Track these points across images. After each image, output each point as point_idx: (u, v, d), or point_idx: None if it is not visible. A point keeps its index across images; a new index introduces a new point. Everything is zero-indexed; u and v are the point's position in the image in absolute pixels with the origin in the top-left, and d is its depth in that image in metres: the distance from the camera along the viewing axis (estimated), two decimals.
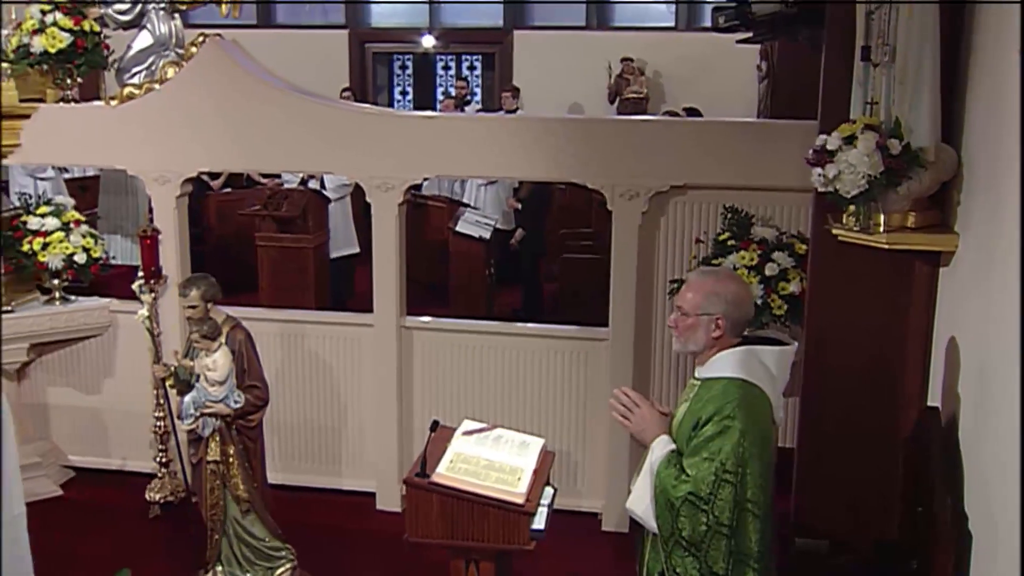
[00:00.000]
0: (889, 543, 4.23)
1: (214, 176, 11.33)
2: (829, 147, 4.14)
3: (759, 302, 5.44)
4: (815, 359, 4.77)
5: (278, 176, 10.63)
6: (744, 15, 7.85)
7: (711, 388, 3.43)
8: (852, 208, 4.27)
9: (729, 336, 3.47)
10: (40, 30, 6.32)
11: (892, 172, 4.01)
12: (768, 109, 9.11)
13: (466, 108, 14.33)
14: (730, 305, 3.45)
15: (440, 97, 16.55)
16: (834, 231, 4.39)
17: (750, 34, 8.46)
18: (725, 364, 3.44)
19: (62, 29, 6.35)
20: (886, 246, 4.19)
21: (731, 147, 5.94)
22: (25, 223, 6.43)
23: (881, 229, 4.21)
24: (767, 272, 5.51)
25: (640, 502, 3.46)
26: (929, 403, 4.38)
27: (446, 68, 17.15)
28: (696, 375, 3.57)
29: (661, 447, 3.48)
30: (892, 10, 4.07)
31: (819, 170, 4.17)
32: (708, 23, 11.31)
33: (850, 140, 4.09)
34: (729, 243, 5.66)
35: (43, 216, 6.48)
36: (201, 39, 6.45)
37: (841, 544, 4.40)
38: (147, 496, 6.53)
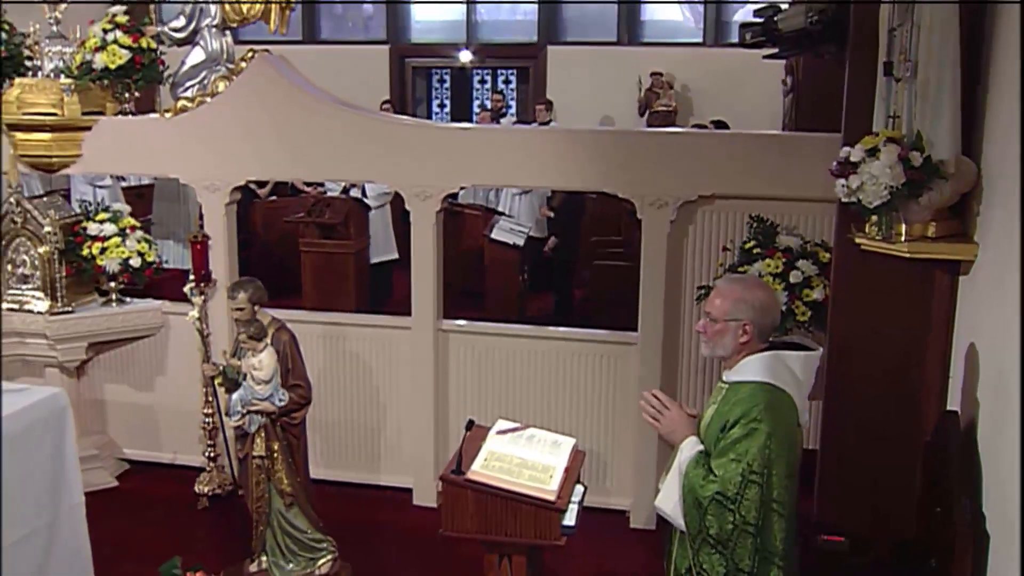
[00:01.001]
0: (908, 543, 4.20)
1: (261, 184, 11.39)
2: (852, 159, 4.12)
3: (784, 308, 5.41)
4: (838, 364, 4.73)
5: (321, 185, 10.68)
6: (770, 31, 7.82)
7: (739, 391, 3.42)
8: (874, 218, 4.25)
9: (756, 341, 3.46)
10: (102, 48, 6.39)
11: (913, 183, 3.98)
12: (793, 122, 9.07)
13: (501, 120, 14.34)
14: (757, 311, 3.44)
15: (476, 110, 16.55)
16: (857, 240, 4.36)
17: (776, 50, 8.42)
18: (752, 368, 3.43)
19: (122, 47, 6.41)
20: (907, 255, 4.16)
21: (757, 159, 5.92)
22: (85, 229, 6.51)
23: (903, 238, 4.18)
24: (791, 279, 5.47)
25: (668, 500, 3.45)
26: (948, 407, 4.34)
27: (482, 82, 17.17)
28: (724, 378, 3.55)
29: (689, 448, 3.47)
30: (914, 27, 4.04)
31: (843, 181, 4.15)
32: (735, 39, 11.24)
33: (873, 152, 4.07)
34: (755, 251, 5.63)
35: (102, 222, 6.55)
36: (250, 54, 6.50)
37: (862, 543, 4.36)
38: (196, 488, 6.58)
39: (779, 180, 5.83)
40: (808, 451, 4.38)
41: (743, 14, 14.79)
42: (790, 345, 3.57)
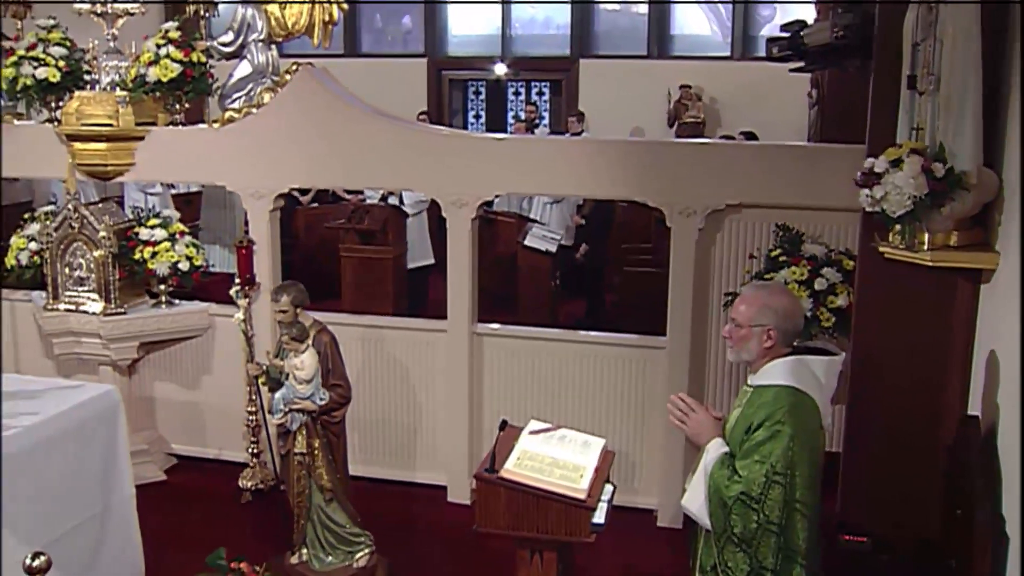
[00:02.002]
0: (929, 544, 4.17)
1: (303, 192, 11.48)
2: (877, 170, 4.10)
3: (808, 315, 5.38)
4: (861, 369, 4.71)
5: (361, 192, 10.74)
6: (797, 46, 7.81)
7: (763, 395, 3.42)
8: (898, 227, 4.22)
9: (780, 346, 3.46)
10: (155, 62, 6.46)
11: (936, 194, 3.96)
12: (818, 134, 9.03)
13: (535, 131, 14.36)
14: (781, 317, 3.44)
15: (511, 121, 16.60)
16: (880, 248, 4.34)
17: (802, 63, 8.40)
18: (776, 372, 3.43)
19: (174, 60, 6.47)
20: (930, 263, 4.13)
21: (783, 169, 5.89)
22: (137, 234, 6.57)
23: (925, 247, 4.15)
24: (816, 287, 5.44)
25: (694, 500, 3.45)
26: (969, 412, 4.30)
27: (516, 94, 17.21)
28: (749, 382, 3.55)
29: (715, 449, 3.47)
30: (937, 42, 4.02)
31: (867, 191, 4.13)
32: (762, 53, 11.22)
33: (896, 163, 4.05)
34: (781, 259, 5.61)
35: (152, 228, 6.61)
36: (295, 67, 6.55)
37: (884, 543, 4.34)
38: (240, 483, 6.63)
39: (805, 190, 5.80)
40: (831, 453, 4.35)
41: (770, 29, 14.77)
42: (813, 350, 3.56)
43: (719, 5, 15.86)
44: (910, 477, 4.54)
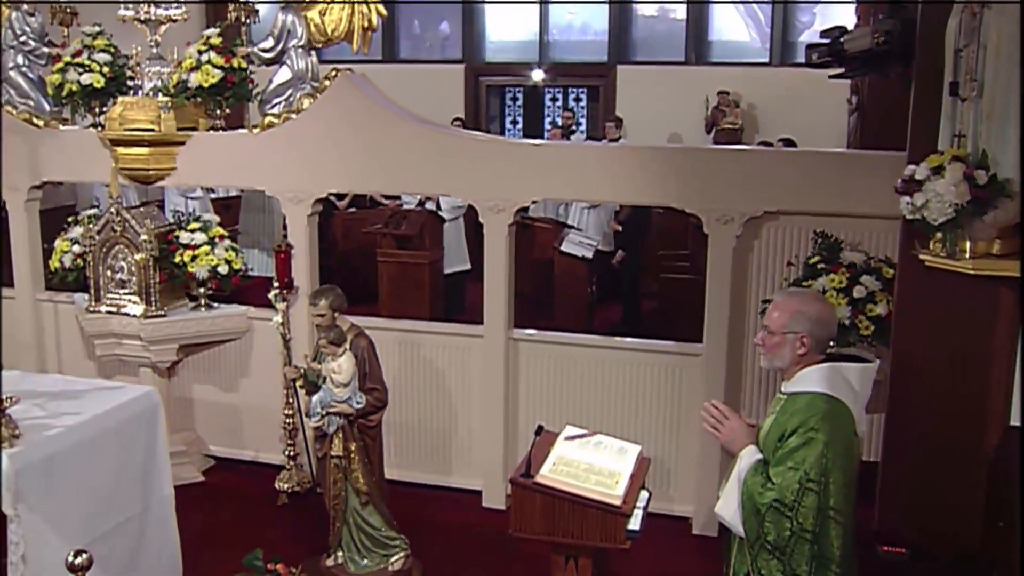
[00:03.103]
0: (970, 555, 4.12)
1: (340, 197, 11.54)
2: (917, 177, 4.08)
3: (847, 323, 5.34)
4: (901, 378, 4.67)
5: (398, 198, 10.80)
6: (837, 52, 7.75)
7: (796, 402, 3.41)
8: (939, 235, 4.19)
9: (814, 353, 3.45)
10: (196, 67, 6.52)
11: (978, 201, 3.93)
12: (858, 141, 8.96)
13: (571, 137, 14.36)
14: (814, 324, 3.43)
15: (547, 126, 16.61)
16: (921, 256, 4.31)
17: (842, 70, 8.34)
18: (810, 379, 3.42)
19: (215, 66, 6.53)
20: (972, 272, 4.10)
21: (822, 176, 5.85)
22: (178, 237, 6.64)
23: (967, 255, 4.12)
24: (855, 295, 5.40)
25: (728, 507, 3.45)
26: (1011, 422, 4.25)
27: (554, 100, 17.21)
28: (782, 389, 3.54)
29: (749, 456, 3.46)
30: (980, 48, 3.99)
31: (907, 198, 4.11)
32: (801, 59, 11.14)
33: (938, 171, 4.02)
34: (819, 266, 5.57)
35: (193, 231, 6.68)
36: (334, 73, 6.61)
37: (923, 554, 4.29)
38: (276, 485, 6.66)
39: (843, 197, 5.75)
40: (867, 463, 4.32)
41: (809, 35, 14.66)
42: (847, 357, 3.54)
43: (758, 11, 15.78)
44: (950, 487, 4.49)
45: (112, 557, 4.60)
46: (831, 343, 3.53)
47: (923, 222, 4.11)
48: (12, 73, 7.35)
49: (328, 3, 6.68)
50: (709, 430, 3.62)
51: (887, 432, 4.83)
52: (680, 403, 6.29)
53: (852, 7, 10.73)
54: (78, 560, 3.29)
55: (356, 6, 6.64)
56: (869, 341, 5.40)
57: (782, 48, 15.51)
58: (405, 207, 10.68)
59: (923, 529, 4.51)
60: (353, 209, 12.01)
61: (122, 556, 4.72)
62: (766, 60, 15.59)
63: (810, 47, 8.66)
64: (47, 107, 7.36)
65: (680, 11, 16.06)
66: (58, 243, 7.10)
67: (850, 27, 8.44)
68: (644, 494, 4.34)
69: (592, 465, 4.30)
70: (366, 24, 6.68)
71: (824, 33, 8.38)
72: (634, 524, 4.13)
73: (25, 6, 7.35)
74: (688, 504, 6.34)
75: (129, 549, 4.77)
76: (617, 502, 4.09)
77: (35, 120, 7.26)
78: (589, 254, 10.27)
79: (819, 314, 3.47)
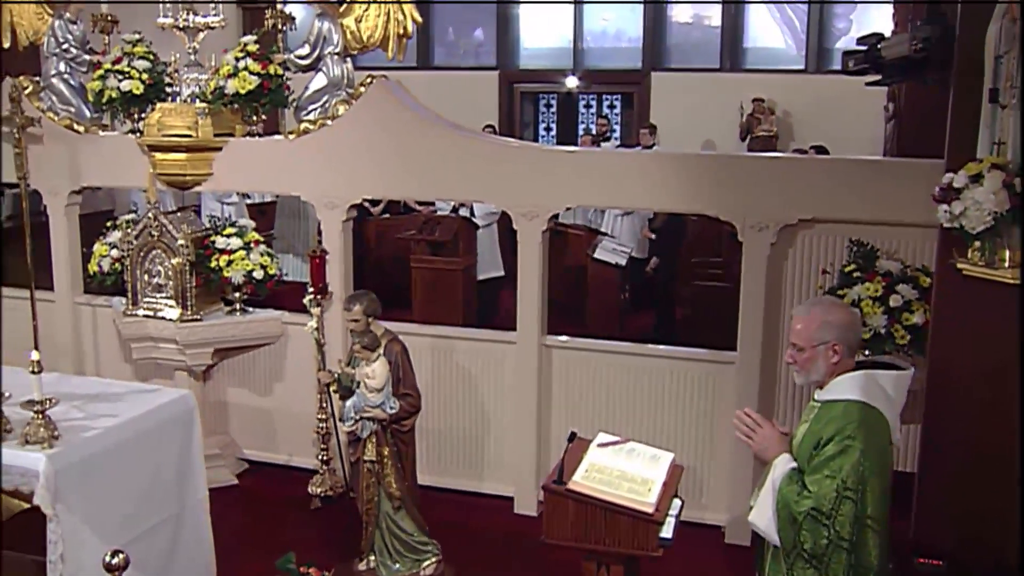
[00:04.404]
0: (1010, 569, 4.07)
1: (374, 203, 11.60)
2: (956, 184, 4.04)
3: (882, 331, 5.30)
4: (938, 388, 4.62)
5: (432, 204, 10.84)
6: (874, 59, 7.70)
7: (831, 409, 3.39)
8: (977, 244, 4.15)
9: (847, 359, 3.43)
10: (234, 74, 6.58)
11: (1018, 210, 3.88)
12: (895, 148, 8.90)
13: (603, 144, 14.34)
14: (843, 330, 3.42)
15: (581, 133, 16.61)
16: (959, 266, 4.26)
17: (879, 77, 8.28)
18: (845, 387, 3.40)
19: (252, 73, 6.58)
20: (1011, 281, 4.05)
21: (858, 183, 5.81)
22: (214, 242, 6.69)
23: (1006, 264, 4.07)
24: (891, 303, 5.35)
25: (762, 516, 3.43)
26: None
27: (588, 107, 17.22)
28: (815, 397, 3.53)
29: (783, 465, 3.44)
30: (1021, 54, 3.94)
31: (945, 207, 4.07)
32: (837, 66, 11.09)
33: (977, 178, 3.98)
34: (855, 275, 5.54)
35: (228, 237, 6.72)
36: (369, 80, 6.64)
37: (961, 567, 4.24)
38: (309, 489, 6.69)
39: (880, 205, 5.71)
40: (903, 473, 4.27)
41: (845, 42, 14.57)
42: (882, 364, 3.53)
43: (793, 18, 15.70)
44: (988, 498, 4.44)
45: (148, 558, 4.65)
46: (864, 350, 3.51)
47: (961, 231, 4.07)
48: (54, 80, 7.47)
49: (366, 1, 6.69)
50: (742, 438, 3.61)
51: (924, 442, 4.78)
52: (713, 411, 6.26)
53: (889, 14, 10.68)
54: (115, 560, 3.34)
55: (392, 14, 6.68)
56: (905, 350, 5.35)
57: (818, 55, 15.44)
58: (439, 213, 10.72)
59: (961, 540, 4.46)
60: (387, 215, 12.08)
61: (158, 557, 4.77)
62: (802, 67, 15.52)
63: (847, 54, 8.62)
64: (87, 113, 7.46)
65: (715, 18, 16.03)
66: (97, 247, 7.19)
67: (887, 34, 8.39)
68: (677, 502, 4.33)
69: (625, 472, 4.30)
70: (401, 31, 6.72)
71: (861, 40, 8.34)
72: (666, 532, 4.12)
73: (67, 14, 7.46)
74: (721, 513, 6.30)
75: (164, 550, 4.82)
76: (650, 510, 4.08)
77: (76, 126, 7.36)
78: (622, 261, 10.27)
79: (844, 319, 3.46)
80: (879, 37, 8.01)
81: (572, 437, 4.43)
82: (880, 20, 12.89)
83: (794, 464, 3.43)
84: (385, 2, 6.66)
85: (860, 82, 9.01)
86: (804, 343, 3.45)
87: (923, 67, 6.34)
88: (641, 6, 16.10)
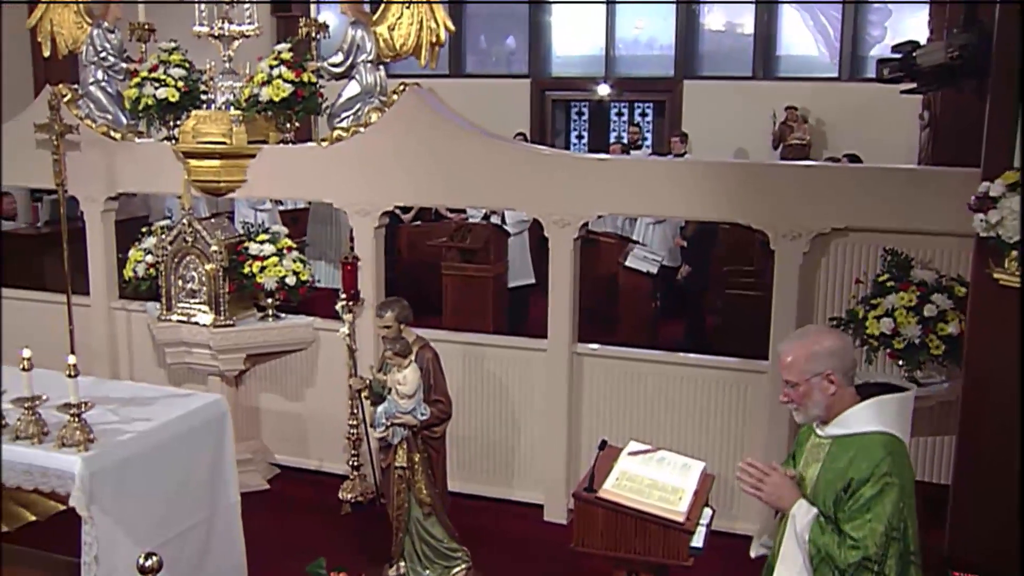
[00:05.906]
0: None
1: (405, 210, 11.64)
2: (992, 193, 4.01)
3: (916, 342, 5.24)
4: (974, 399, 4.57)
5: (464, 211, 10.87)
6: (909, 67, 7.65)
7: (850, 446, 3.21)
8: (1014, 253, 4.10)
9: (844, 387, 3.25)
10: (268, 82, 6.65)
11: None
12: (930, 157, 8.83)
13: (634, 152, 14.30)
14: (834, 357, 3.24)
15: (612, 141, 16.59)
16: (995, 275, 4.22)
17: (914, 85, 8.22)
18: (860, 419, 3.23)
19: (285, 81, 6.65)
20: None
21: (892, 192, 5.76)
22: (247, 249, 6.75)
23: None
24: (926, 313, 5.29)
25: (790, 571, 3.26)
26: None
27: (619, 114, 17.20)
28: (821, 433, 3.33)
29: (804, 513, 3.25)
30: None
31: (981, 216, 4.04)
32: (871, 74, 11.00)
33: (1014, 187, 3.95)
34: (888, 284, 5.49)
35: (262, 243, 6.80)
36: (401, 87, 6.69)
37: None
38: (340, 495, 6.72)
39: (914, 214, 5.66)
40: (934, 484, 4.20)
41: (879, 49, 14.47)
42: (880, 387, 3.35)
43: (827, 26, 15.61)
44: None
45: (180, 561, 4.69)
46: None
47: (998, 240, 4.03)
48: (92, 88, 7.58)
49: (401, 2, 6.71)
50: (749, 491, 3.39)
51: (958, 455, 4.73)
52: (744, 420, 6.22)
53: (924, 21, 10.60)
54: (148, 563, 3.38)
55: (424, 21, 6.72)
56: (940, 361, 5.29)
57: (852, 63, 15.33)
58: (470, 220, 10.73)
59: (996, 555, 4.40)
60: (419, 222, 12.10)
61: (190, 560, 4.82)
62: (835, 75, 15.42)
63: (881, 62, 8.57)
64: (124, 120, 7.55)
65: (748, 25, 15.95)
66: (132, 253, 7.28)
67: (922, 41, 8.33)
68: (707, 511, 4.32)
69: (655, 481, 4.29)
70: (434, 39, 6.75)
71: (896, 48, 8.29)
72: (697, 541, 4.11)
73: (105, 23, 7.56)
74: (752, 523, 6.24)
75: (196, 553, 4.87)
76: (680, 518, 4.07)
77: (112, 133, 7.46)
78: (654, 269, 10.23)
79: (835, 345, 3.27)
80: (915, 45, 7.95)
81: (603, 445, 4.43)
82: (915, 28, 12.79)
83: (815, 510, 3.24)
84: (419, 3, 6.69)
85: (894, 90, 8.94)
86: (796, 377, 3.25)
87: (959, 75, 6.30)
88: (673, 14, 16.07)
